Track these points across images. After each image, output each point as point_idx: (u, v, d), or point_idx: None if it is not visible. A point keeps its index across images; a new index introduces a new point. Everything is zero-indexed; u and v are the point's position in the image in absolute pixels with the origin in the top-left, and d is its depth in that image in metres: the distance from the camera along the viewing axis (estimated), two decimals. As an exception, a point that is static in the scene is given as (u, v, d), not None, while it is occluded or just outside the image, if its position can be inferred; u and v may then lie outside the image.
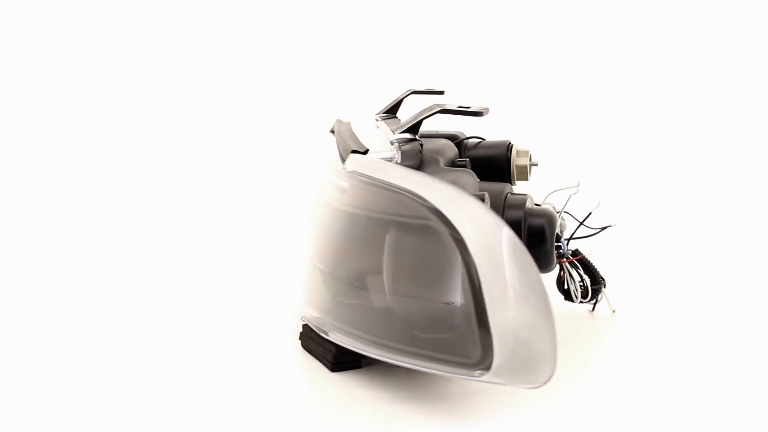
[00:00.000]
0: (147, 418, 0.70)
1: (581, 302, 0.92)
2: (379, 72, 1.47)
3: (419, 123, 0.82)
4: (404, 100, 1.00)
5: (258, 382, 0.78)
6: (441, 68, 1.50)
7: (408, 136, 0.81)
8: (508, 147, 0.90)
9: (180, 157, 1.47)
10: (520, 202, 0.82)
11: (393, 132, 0.83)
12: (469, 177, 0.76)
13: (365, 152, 0.78)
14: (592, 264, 0.92)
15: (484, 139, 0.93)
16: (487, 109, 0.85)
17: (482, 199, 0.73)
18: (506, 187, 0.84)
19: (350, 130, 0.88)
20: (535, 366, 0.63)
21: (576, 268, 0.91)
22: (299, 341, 0.84)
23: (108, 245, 1.21)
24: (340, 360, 0.78)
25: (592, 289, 0.92)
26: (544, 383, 0.64)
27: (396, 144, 0.79)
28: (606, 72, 1.61)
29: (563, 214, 0.95)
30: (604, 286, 0.94)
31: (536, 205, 0.84)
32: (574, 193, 0.94)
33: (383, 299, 0.71)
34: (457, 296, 0.66)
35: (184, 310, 0.96)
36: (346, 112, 0.98)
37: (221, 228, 1.27)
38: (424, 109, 0.83)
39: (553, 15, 1.61)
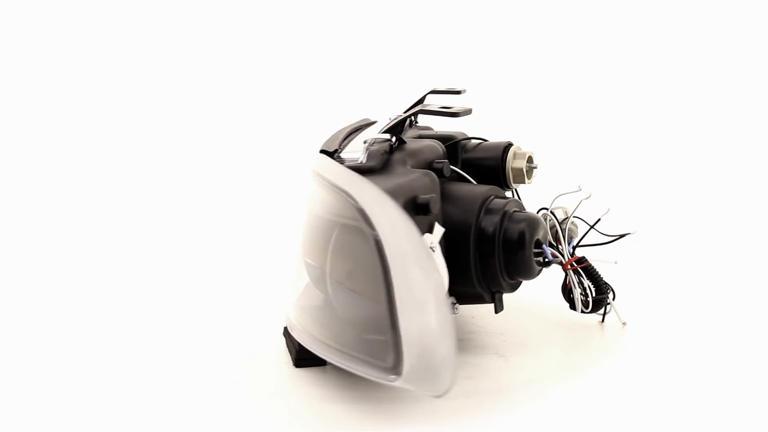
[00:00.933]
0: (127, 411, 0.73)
1: (583, 312, 0.88)
2: (398, 73, 1.46)
3: (400, 123, 0.81)
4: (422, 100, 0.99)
5: (230, 373, 0.80)
6: (461, 68, 1.47)
7: (384, 136, 0.81)
8: (505, 149, 0.88)
9: (179, 156, 1.51)
10: (498, 207, 0.80)
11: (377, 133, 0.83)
12: (425, 178, 0.75)
13: (333, 152, 0.79)
14: (597, 272, 0.88)
15: (485, 140, 0.91)
16: (469, 110, 0.84)
17: (427, 203, 0.72)
18: (492, 190, 0.82)
19: (350, 129, 0.88)
20: (438, 374, 0.62)
21: (580, 276, 0.88)
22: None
23: (98, 244, 1.22)
24: (302, 356, 0.79)
25: (596, 299, 0.88)
26: (445, 393, 0.63)
27: (366, 144, 0.79)
28: (629, 75, 1.59)
29: (575, 220, 0.92)
30: (614, 298, 0.90)
31: (516, 211, 0.81)
32: (586, 198, 0.91)
33: (325, 298, 0.72)
34: (379, 299, 0.66)
35: (176, 301, 1.00)
36: (378, 111, 0.98)
37: (224, 226, 1.29)
38: (407, 110, 0.83)
39: (573, 14, 1.59)
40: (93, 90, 1.58)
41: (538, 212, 0.91)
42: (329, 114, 1.01)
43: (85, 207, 1.38)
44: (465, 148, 0.88)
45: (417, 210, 0.71)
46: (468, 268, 0.78)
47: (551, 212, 0.90)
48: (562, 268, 0.88)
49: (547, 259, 0.81)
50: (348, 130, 0.87)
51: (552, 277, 0.87)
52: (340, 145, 0.81)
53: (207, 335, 0.89)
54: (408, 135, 0.89)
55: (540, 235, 0.81)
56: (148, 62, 1.61)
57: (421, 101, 0.98)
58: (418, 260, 0.62)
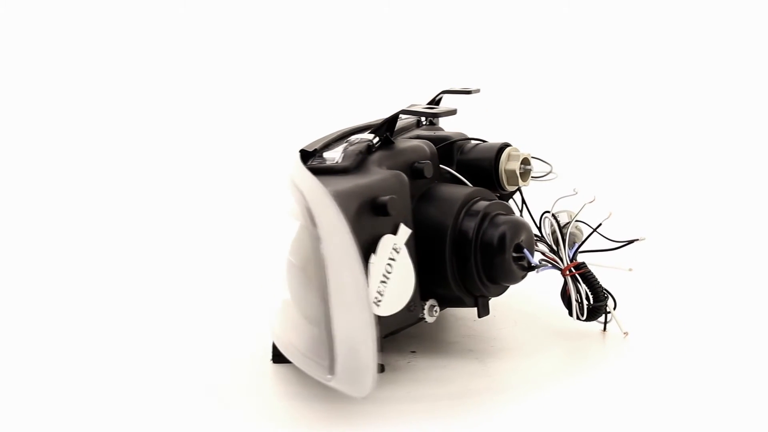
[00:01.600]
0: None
1: (579, 319, 0.85)
2: (407, 73, 1.44)
3: (385, 123, 0.81)
4: (438, 101, 0.98)
5: (212, 368, 0.82)
6: (471, 69, 1.43)
7: (367, 137, 0.81)
8: (499, 150, 0.86)
9: (176, 157, 1.51)
10: (479, 209, 0.79)
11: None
12: (393, 179, 0.75)
13: (313, 152, 0.80)
14: (596, 279, 0.85)
15: (485, 141, 0.90)
16: (453, 111, 0.83)
17: (385, 204, 0.72)
18: (477, 192, 0.81)
19: (351, 129, 0.89)
20: (362, 376, 0.63)
21: (577, 282, 0.85)
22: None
23: (85, 242, 1.22)
24: (277, 352, 0.80)
25: (594, 307, 0.85)
26: (366, 395, 0.63)
27: (346, 144, 0.80)
28: (640, 76, 1.56)
29: (580, 225, 0.90)
30: (615, 306, 0.87)
31: (500, 214, 0.80)
32: (590, 201, 0.89)
33: (285, 296, 0.73)
34: (318, 298, 0.67)
35: (163, 295, 1.01)
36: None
37: (222, 225, 1.29)
38: (399, 111, 0.83)
39: (580, 14, 1.57)
40: (76, 89, 1.59)
41: (542, 216, 0.89)
42: (331, 115, 1.01)
43: (70, 206, 1.38)
44: (462, 150, 0.87)
45: (376, 211, 0.71)
46: (444, 271, 0.78)
47: (553, 216, 0.88)
48: (561, 273, 0.85)
49: (532, 264, 0.79)
50: (347, 130, 0.88)
51: (560, 282, 0.85)
52: (327, 145, 0.81)
53: (195, 330, 0.91)
54: (412, 135, 0.89)
55: (522, 239, 0.79)
56: (144, 62, 1.62)
57: (434, 101, 0.98)
58: (344, 260, 0.63)
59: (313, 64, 1.64)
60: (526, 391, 0.75)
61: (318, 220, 0.65)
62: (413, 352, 0.83)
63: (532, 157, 1.00)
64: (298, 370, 0.72)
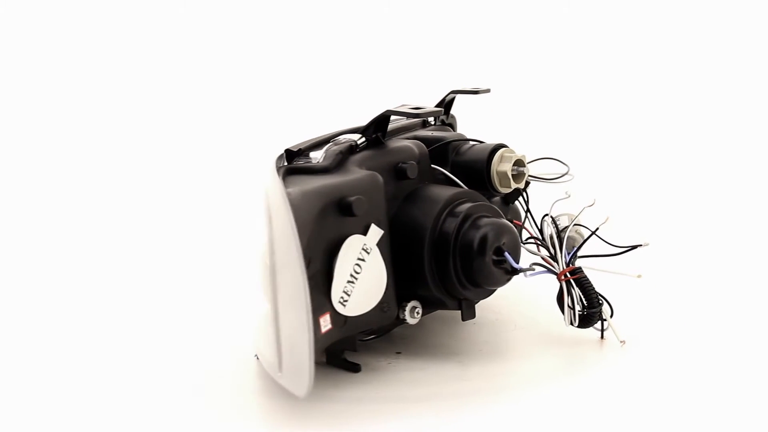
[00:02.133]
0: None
1: (572, 325, 0.83)
2: (415, 75, 1.42)
3: (373, 124, 0.81)
4: (450, 101, 0.98)
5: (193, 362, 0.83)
6: (480, 70, 1.40)
7: (354, 137, 0.81)
8: (492, 151, 0.85)
9: (175, 156, 1.52)
10: (460, 212, 0.78)
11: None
12: (366, 180, 0.75)
13: (297, 152, 0.81)
14: (590, 285, 0.83)
15: (482, 142, 0.88)
16: (438, 111, 0.82)
17: (350, 204, 0.72)
18: (461, 194, 0.80)
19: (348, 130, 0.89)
20: (300, 376, 0.63)
21: (571, 287, 0.83)
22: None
23: (74, 242, 1.22)
24: (262, 349, 0.81)
25: (587, 314, 0.83)
26: (304, 395, 0.63)
27: (331, 144, 0.80)
28: (643, 80, 1.55)
29: (581, 229, 0.88)
30: (612, 314, 0.84)
31: (483, 216, 0.79)
32: (590, 205, 0.87)
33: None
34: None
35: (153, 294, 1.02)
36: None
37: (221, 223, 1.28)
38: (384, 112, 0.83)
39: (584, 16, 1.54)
40: (67, 88, 1.59)
41: (542, 219, 0.87)
42: (331, 115, 1.01)
43: (55, 204, 1.38)
44: (458, 151, 0.86)
45: (342, 211, 0.72)
46: (423, 272, 0.77)
47: (552, 219, 0.87)
48: (557, 278, 0.84)
49: (514, 268, 0.78)
50: (342, 131, 0.88)
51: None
52: (316, 145, 0.82)
53: (182, 327, 0.92)
54: (410, 135, 0.89)
55: (504, 242, 0.77)
56: (144, 63, 1.63)
57: (443, 101, 0.97)
58: (291, 262, 0.63)
59: (313, 64, 1.65)
60: (498, 397, 0.74)
61: (273, 221, 0.66)
62: (398, 353, 0.83)
63: (551, 158, 0.98)
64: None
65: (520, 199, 0.90)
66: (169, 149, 1.56)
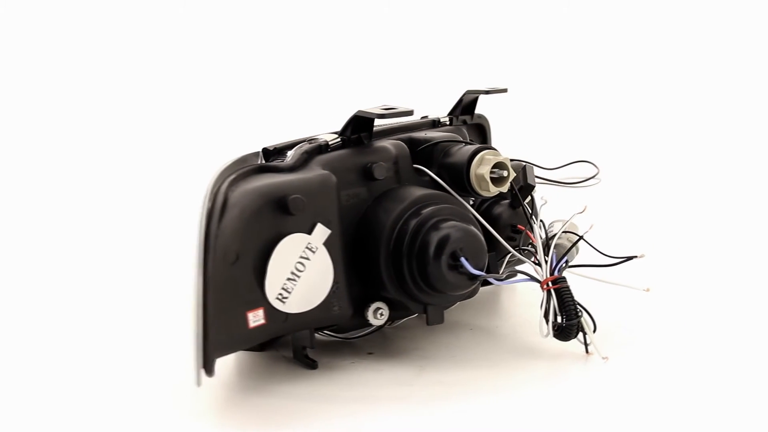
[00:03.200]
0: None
1: (547, 335, 0.80)
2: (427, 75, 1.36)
3: (350, 124, 0.82)
4: (471, 101, 0.96)
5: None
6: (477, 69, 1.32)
7: (329, 137, 0.82)
8: (473, 154, 0.82)
9: (174, 157, 1.52)
10: (425, 214, 0.77)
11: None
12: (315, 180, 0.75)
13: (273, 150, 0.83)
14: (570, 296, 0.80)
15: (472, 143, 0.86)
16: (410, 111, 0.81)
17: (286, 203, 0.73)
18: (431, 196, 0.79)
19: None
20: (195, 364, 0.66)
21: (551, 297, 0.80)
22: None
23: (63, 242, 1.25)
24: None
25: (566, 326, 0.79)
26: (196, 385, 0.65)
27: (305, 143, 0.82)
28: (642, 84, 1.54)
29: (570, 236, 0.85)
30: (594, 329, 0.80)
31: (447, 219, 0.77)
32: (580, 212, 0.84)
33: None
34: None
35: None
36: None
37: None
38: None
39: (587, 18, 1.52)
40: (58, 87, 1.62)
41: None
42: (330, 115, 1.02)
43: (44, 204, 1.40)
44: (447, 152, 0.85)
45: (282, 209, 0.73)
46: (380, 274, 0.77)
47: (543, 225, 0.84)
48: (540, 286, 0.81)
49: (472, 274, 0.76)
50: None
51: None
52: (295, 144, 0.83)
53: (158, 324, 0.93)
54: (404, 137, 0.88)
55: (462, 247, 0.76)
56: (142, 63, 1.65)
57: (460, 102, 0.96)
58: (197, 260, 0.66)
59: (314, 64, 1.65)
60: (441, 404, 0.72)
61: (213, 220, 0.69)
62: (370, 353, 0.83)
63: (584, 161, 0.95)
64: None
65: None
66: (169, 149, 1.60)
